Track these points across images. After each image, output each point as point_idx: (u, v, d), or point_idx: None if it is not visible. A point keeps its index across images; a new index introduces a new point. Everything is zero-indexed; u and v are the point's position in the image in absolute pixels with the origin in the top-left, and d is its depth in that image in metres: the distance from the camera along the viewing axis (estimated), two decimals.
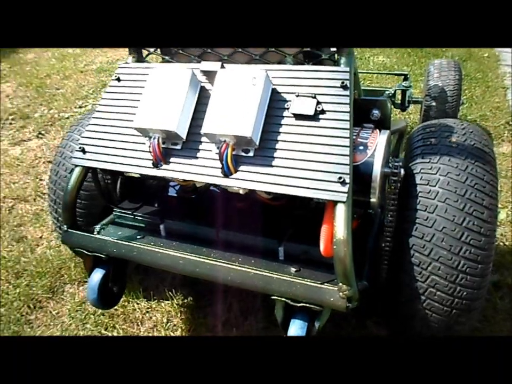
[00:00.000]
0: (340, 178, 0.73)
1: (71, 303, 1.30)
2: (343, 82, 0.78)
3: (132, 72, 0.97)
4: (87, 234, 0.96)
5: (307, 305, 0.78)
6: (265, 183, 0.78)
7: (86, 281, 1.36)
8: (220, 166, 0.81)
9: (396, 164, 0.85)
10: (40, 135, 2.31)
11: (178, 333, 1.18)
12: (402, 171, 0.85)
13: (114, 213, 1.09)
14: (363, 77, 2.37)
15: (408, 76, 1.93)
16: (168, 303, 1.25)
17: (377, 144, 0.84)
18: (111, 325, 1.21)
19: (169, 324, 1.20)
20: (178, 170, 0.84)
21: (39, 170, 2.00)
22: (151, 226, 1.04)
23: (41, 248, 1.52)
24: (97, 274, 0.95)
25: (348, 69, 0.80)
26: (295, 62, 0.90)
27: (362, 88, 1.94)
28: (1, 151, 2.18)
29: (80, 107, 2.57)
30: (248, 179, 0.79)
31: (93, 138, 0.94)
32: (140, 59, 1.03)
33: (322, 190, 0.74)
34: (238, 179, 0.80)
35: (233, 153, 0.79)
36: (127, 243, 0.93)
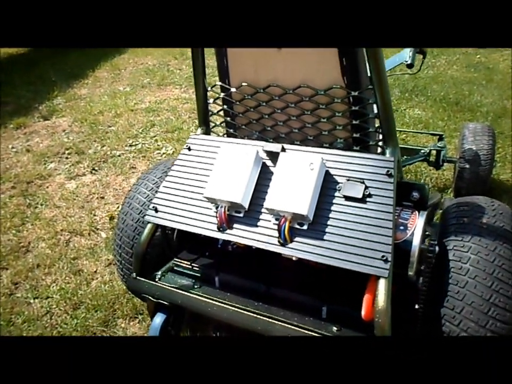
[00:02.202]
0: (383, 256, 0.85)
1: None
2: (388, 171, 0.91)
3: (201, 144, 1.13)
4: (153, 282, 1.09)
5: None
6: (316, 255, 0.90)
7: (136, 317, 1.49)
8: (277, 235, 0.93)
9: (432, 241, 0.96)
10: (93, 171, 2.52)
11: None
12: (437, 248, 0.96)
13: (173, 261, 1.23)
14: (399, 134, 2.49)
15: (444, 136, 2.05)
16: None
17: (416, 225, 0.96)
18: None
19: None
20: (240, 235, 0.98)
21: (93, 205, 2.18)
22: (206, 277, 1.16)
23: (96, 282, 1.67)
24: (159, 318, 1.08)
25: (392, 159, 0.93)
26: (345, 144, 1.03)
27: (401, 146, 2.07)
28: (58, 184, 2.39)
29: (131, 145, 2.78)
30: (301, 249, 0.91)
31: (165, 199, 1.09)
32: (207, 131, 1.18)
33: (367, 265, 0.85)
34: (293, 248, 0.92)
35: (290, 225, 0.92)
36: (187, 293, 1.06)
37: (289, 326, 0.96)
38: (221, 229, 1.00)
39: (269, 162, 1.02)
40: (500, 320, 0.90)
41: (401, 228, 0.96)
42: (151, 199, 1.24)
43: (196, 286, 1.13)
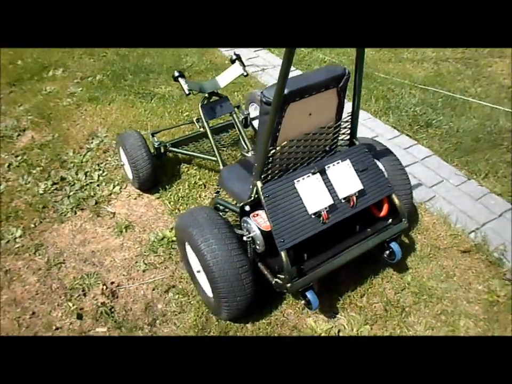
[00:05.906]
0: (389, 185, 1.88)
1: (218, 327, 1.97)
2: (366, 150, 1.89)
3: (272, 188, 1.74)
4: (303, 278, 1.73)
5: (394, 236, 1.95)
6: (367, 202, 1.83)
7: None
8: (350, 205, 1.81)
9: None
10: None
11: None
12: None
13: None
14: None
15: None
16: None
17: (383, 168, 2.02)
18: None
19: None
20: (335, 218, 1.78)
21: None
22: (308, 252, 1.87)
23: (167, 332, 1.97)
24: (312, 294, 1.79)
25: (362, 145, 1.90)
26: (330, 147, 1.91)
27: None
28: None
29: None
30: (361, 205, 1.82)
31: (281, 229, 1.69)
32: (263, 181, 1.76)
33: (387, 192, 1.87)
34: (359, 207, 1.83)
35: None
36: (316, 270, 1.78)
37: (356, 245, 1.89)
38: (325, 223, 1.77)
39: (318, 175, 1.80)
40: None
41: None
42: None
43: (306, 263, 1.85)
